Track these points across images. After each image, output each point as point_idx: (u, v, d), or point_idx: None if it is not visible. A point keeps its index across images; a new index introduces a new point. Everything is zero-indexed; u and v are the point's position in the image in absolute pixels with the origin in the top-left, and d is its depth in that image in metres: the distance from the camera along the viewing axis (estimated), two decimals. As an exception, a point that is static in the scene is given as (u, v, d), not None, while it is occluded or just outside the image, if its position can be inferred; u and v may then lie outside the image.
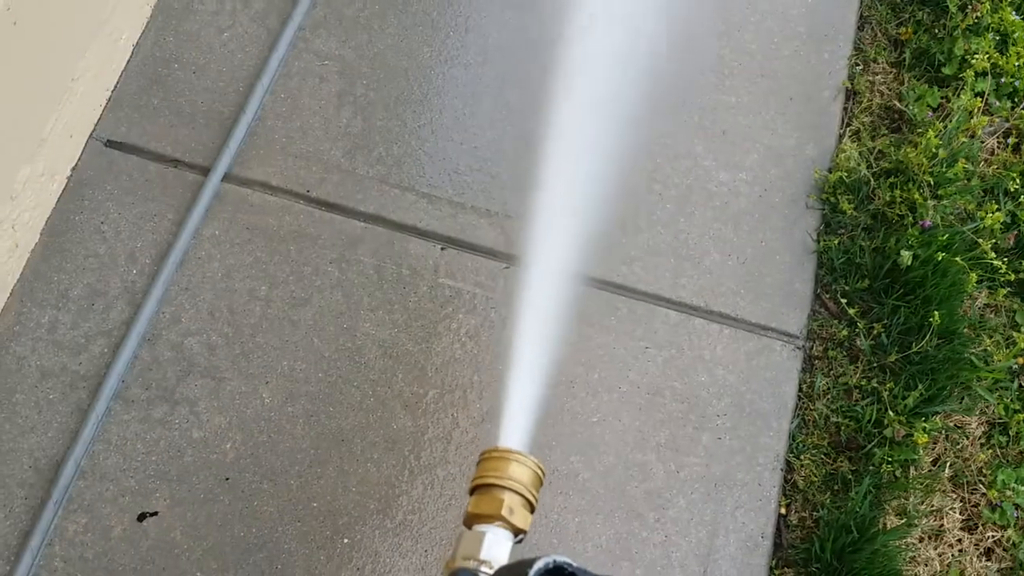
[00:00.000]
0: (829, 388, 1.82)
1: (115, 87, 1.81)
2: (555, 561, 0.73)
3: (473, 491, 1.09)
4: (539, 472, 1.06)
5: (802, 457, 1.78)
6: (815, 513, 1.75)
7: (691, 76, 2.01)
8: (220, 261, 1.74)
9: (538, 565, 0.70)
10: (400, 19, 1.97)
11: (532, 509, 1.06)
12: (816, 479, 1.77)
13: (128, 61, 1.83)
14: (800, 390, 1.82)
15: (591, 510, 1.69)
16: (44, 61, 1.59)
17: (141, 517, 1.60)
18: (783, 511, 1.75)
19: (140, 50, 1.85)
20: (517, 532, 1.02)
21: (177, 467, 1.63)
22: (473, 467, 1.56)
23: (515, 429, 1.22)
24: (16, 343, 1.65)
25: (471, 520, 1.04)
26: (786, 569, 1.71)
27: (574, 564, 0.72)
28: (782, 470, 1.76)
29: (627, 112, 1.94)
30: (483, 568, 0.93)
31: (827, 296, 1.90)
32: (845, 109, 2.05)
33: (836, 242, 1.91)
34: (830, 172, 1.97)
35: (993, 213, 1.86)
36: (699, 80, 2.01)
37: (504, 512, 1.00)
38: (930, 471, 1.77)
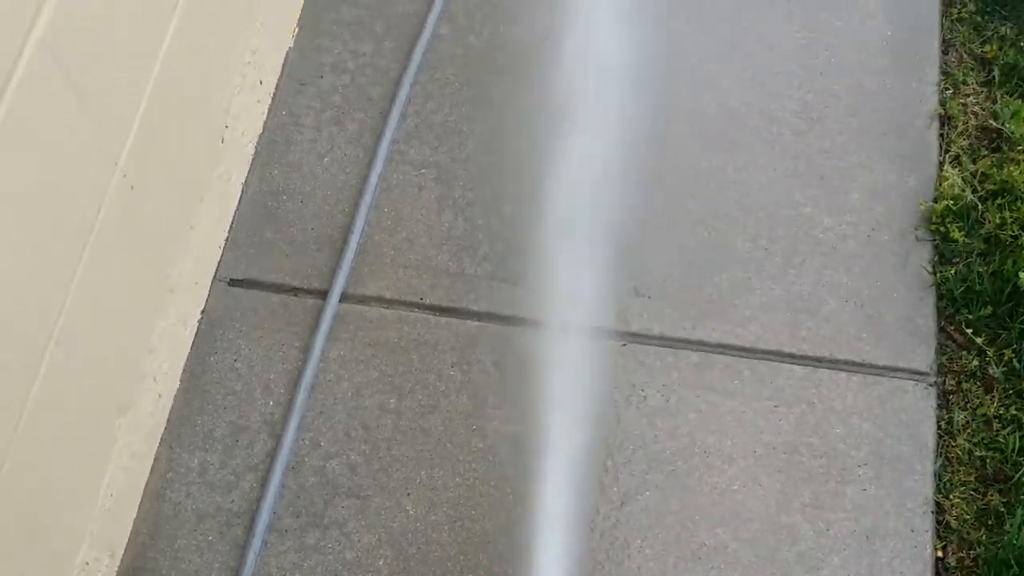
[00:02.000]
0: (968, 422, 1.84)
1: (231, 226, 1.96)
2: None
3: None
4: None
5: (951, 496, 1.80)
6: (972, 552, 1.76)
7: (778, 126, 2.08)
8: (349, 381, 1.87)
9: None
10: (488, 117, 2.09)
11: None
12: (969, 517, 1.79)
13: (240, 200, 1.98)
14: (939, 428, 1.84)
15: (746, 581, 1.74)
16: (164, 216, 1.74)
17: (308, 643, 1.71)
18: (940, 554, 1.76)
19: (249, 187, 2.01)
20: None
21: (335, 590, 1.74)
22: (619, 554, 1.64)
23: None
24: (171, 489, 1.79)
25: None
26: (952, 615, 1.73)
27: None
28: (933, 512, 1.78)
29: (719, 172, 2.02)
30: None
31: (952, 328, 1.92)
32: (941, 136, 2.08)
33: (952, 272, 1.94)
34: (935, 201, 2.00)
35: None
36: (788, 129, 2.07)
37: None
38: (1088, 495, 1.77)
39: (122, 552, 1.70)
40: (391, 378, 1.84)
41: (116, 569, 1.68)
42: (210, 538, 1.73)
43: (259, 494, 1.75)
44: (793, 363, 1.86)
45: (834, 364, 1.87)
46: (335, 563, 1.71)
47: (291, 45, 2.11)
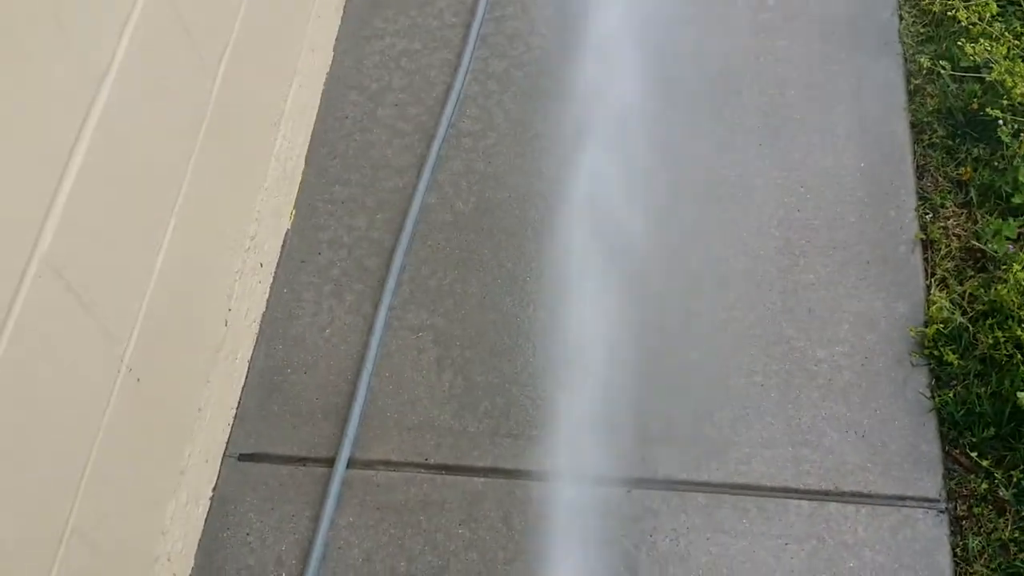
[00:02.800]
0: (984, 547, 1.87)
1: (238, 403, 2.08)
2: None
3: None
4: None
5: (975, 626, 1.82)
6: None
7: (763, 264, 2.21)
8: (359, 547, 1.95)
9: None
10: (479, 277, 2.23)
11: None
12: (995, 648, 1.81)
13: (246, 376, 2.12)
14: (954, 555, 1.87)
15: None
16: (172, 403, 1.86)
17: None
18: None
19: (254, 364, 2.14)
20: None
21: None
22: None
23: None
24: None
25: None
26: None
27: None
28: (957, 644, 1.81)
29: (710, 314, 2.14)
30: None
31: (956, 452, 1.98)
32: (926, 259, 2.20)
33: (951, 395, 2.02)
34: (926, 326, 2.09)
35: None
36: (772, 266, 2.20)
37: None
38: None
39: None
40: (400, 540, 1.92)
41: None
42: None
43: (275, 672, 1.81)
44: (800, 498, 1.93)
45: (841, 497, 1.93)
46: None
47: (289, 227, 2.29)
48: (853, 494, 1.92)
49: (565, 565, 1.90)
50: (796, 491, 1.93)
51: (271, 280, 2.21)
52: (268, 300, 2.20)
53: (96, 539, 1.57)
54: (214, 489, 1.98)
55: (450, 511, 1.95)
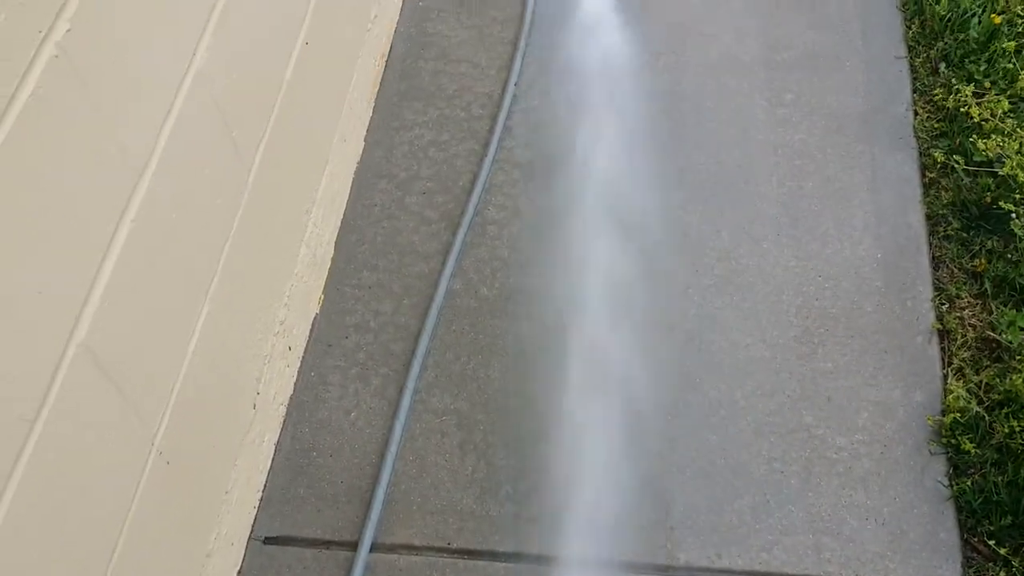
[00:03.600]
0: (1004, 636, 1.99)
1: (264, 486, 2.23)
2: None
3: None
4: None
5: None
6: None
7: (782, 353, 2.35)
8: (381, 630, 2.07)
9: None
10: (502, 362, 2.38)
11: None
12: None
13: (272, 460, 2.27)
14: (976, 645, 1.98)
15: None
16: (199, 485, 1.98)
17: None
18: None
19: (281, 447, 2.29)
20: None
21: None
22: None
23: None
24: None
25: None
26: None
27: None
28: None
29: (730, 402, 2.28)
30: None
31: (975, 540, 2.10)
32: (942, 349, 2.34)
33: (969, 483, 2.14)
34: (943, 415, 2.23)
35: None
36: (791, 355, 2.34)
37: None
38: None
39: None
40: (422, 625, 2.04)
41: None
42: None
43: None
44: (819, 586, 2.04)
45: (860, 584, 2.04)
46: None
47: (317, 312, 2.45)
48: (872, 582, 2.02)
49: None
50: (816, 579, 2.03)
51: (299, 364, 2.37)
52: (295, 383, 2.35)
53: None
54: (239, 572, 2.11)
55: (472, 598, 2.07)
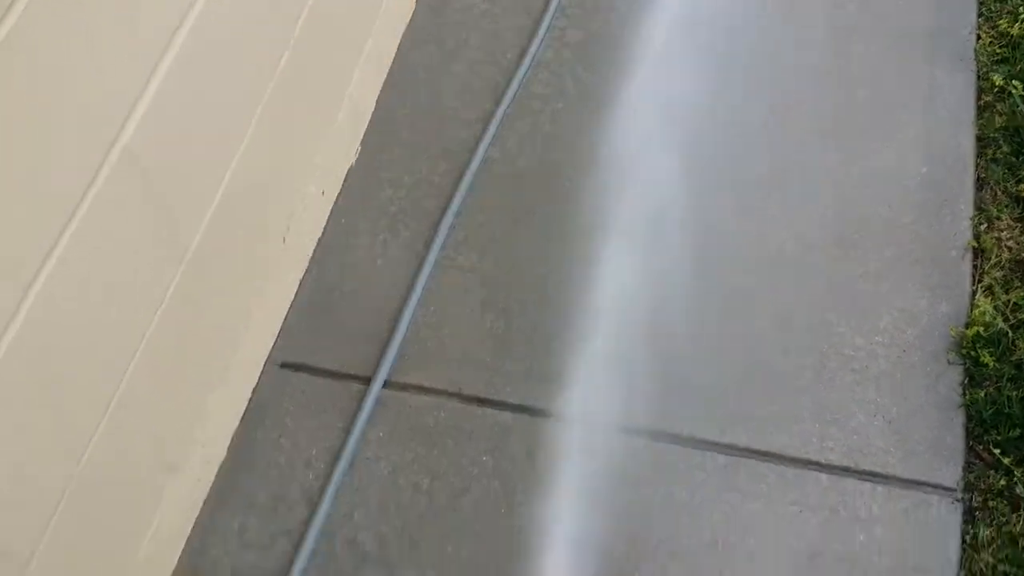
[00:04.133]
0: (994, 538, 2.08)
1: (286, 315, 2.36)
2: None
3: None
4: None
5: (973, 611, 2.02)
6: (993, 667, 1.97)
7: (814, 253, 2.45)
8: (386, 460, 2.20)
9: None
10: (532, 232, 2.49)
11: None
12: (989, 634, 2.00)
13: (296, 293, 2.40)
14: (964, 542, 2.07)
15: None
16: (225, 301, 2.09)
17: None
18: (958, 672, 1.97)
19: (306, 283, 2.41)
20: None
21: (356, 657, 2.01)
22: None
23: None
24: (211, 546, 2.10)
25: None
26: None
27: None
28: (953, 623, 2.00)
29: (755, 291, 2.38)
30: None
31: (980, 447, 2.19)
32: (975, 266, 2.42)
33: (982, 394, 2.23)
34: (967, 328, 2.31)
35: None
36: (823, 256, 2.44)
37: None
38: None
39: (158, 601, 2.01)
40: (426, 460, 2.17)
41: (153, 617, 1.99)
42: (242, 595, 2.04)
43: (292, 557, 2.06)
44: (819, 471, 2.14)
45: (860, 475, 2.14)
46: (358, 629, 2.00)
47: (353, 163, 2.57)
48: (872, 474, 2.13)
49: (581, 503, 2.13)
50: (817, 464, 2.14)
51: (330, 209, 2.49)
52: (325, 227, 2.48)
53: (139, 414, 1.83)
54: (254, 391, 2.25)
55: (477, 440, 2.20)
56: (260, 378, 2.23)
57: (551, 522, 2.08)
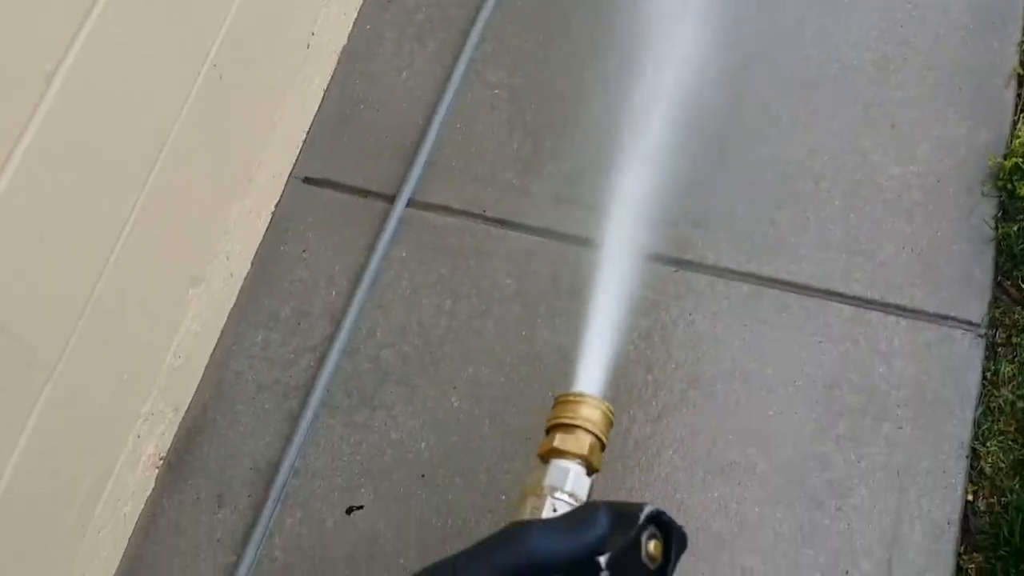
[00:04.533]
0: (1015, 374, 2.08)
1: (309, 129, 2.31)
2: (656, 510, 0.87)
3: (551, 430, 1.22)
4: (611, 417, 1.25)
5: (988, 444, 2.04)
6: (1003, 499, 1.99)
7: (854, 75, 2.35)
8: (408, 279, 2.20)
9: (648, 510, 0.87)
10: (565, 47, 2.39)
11: (603, 449, 1.25)
12: (1004, 465, 2.03)
13: (320, 105, 2.34)
14: (984, 378, 2.08)
15: (771, 500, 2.00)
16: (249, 109, 2.08)
17: (349, 511, 2.04)
18: (970, 498, 2.01)
19: (329, 94, 2.36)
20: (592, 471, 1.24)
21: (379, 465, 2.06)
22: (650, 462, 1.94)
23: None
24: (234, 360, 2.15)
25: (551, 455, 1.17)
26: (974, 554, 1.97)
27: (667, 514, 0.87)
28: (967, 457, 2.02)
29: (791, 115, 2.31)
30: (565, 498, 1.09)
31: (1008, 283, 2.16)
32: (1019, 95, 2.32)
33: (1015, 229, 2.18)
34: (1005, 158, 2.24)
35: None
36: (863, 78, 2.34)
37: (587, 451, 1.15)
38: (1125, 452, 2.00)
39: (185, 409, 2.05)
40: (448, 281, 2.16)
41: (178, 423, 2.04)
42: (267, 407, 2.08)
43: (315, 373, 2.09)
44: (843, 302, 2.12)
45: (884, 307, 2.12)
46: (380, 441, 2.04)
47: (381, -36, 2.46)
48: (896, 306, 2.10)
49: (602, 326, 2.12)
50: (841, 295, 2.12)
51: (355, 15, 2.40)
52: (350, 34, 2.39)
53: (163, 223, 1.82)
54: (276, 205, 2.22)
55: (500, 262, 2.18)
56: (283, 193, 2.21)
57: (571, 345, 2.07)
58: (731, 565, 1.93)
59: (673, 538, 0.88)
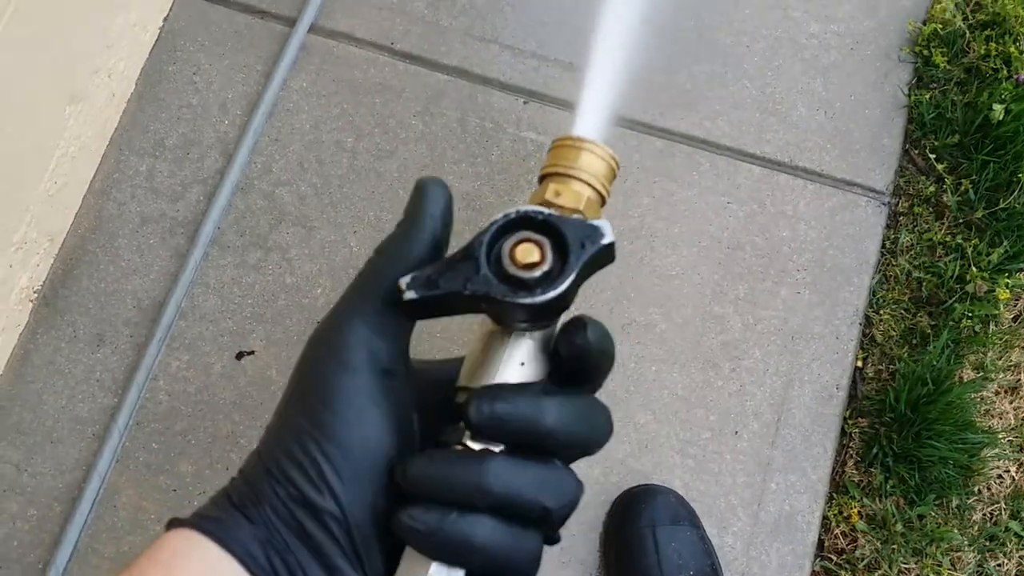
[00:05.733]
0: (913, 244, 2.07)
1: (203, -63, 2.08)
2: (518, 211, 0.63)
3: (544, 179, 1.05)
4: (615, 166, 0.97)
5: (881, 312, 2.05)
6: (892, 366, 2.02)
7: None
8: (308, 113, 2.03)
9: (497, 217, 0.63)
10: None
11: (603, 203, 1.04)
12: (895, 333, 2.04)
13: (215, -89, 2.09)
14: (883, 246, 2.07)
15: (668, 360, 1.98)
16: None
17: (239, 355, 1.93)
18: (859, 364, 2.03)
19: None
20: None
21: (271, 310, 1.95)
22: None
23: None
24: (116, 190, 1.97)
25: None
26: (860, 419, 2.00)
27: (546, 212, 0.63)
28: (860, 324, 2.03)
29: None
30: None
31: (916, 152, 2.13)
32: (943, -42, 2.24)
33: (928, 96, 2.14)
34: (924, 24, 2.17)
35: (1092, 66, 2.07)
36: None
37: (583, 206, 0.92)
38: (1010, 327, 2.03)
39: (62, 240, 1.88)
40: (351, 117, 2.01)
41: (54, 254, 1.87)
42: (151, 241, 1.92)
43: (205, 208, 1.93)
44: (753, 163, 2.06)
45: (793, 170, 2.07)
46: (274, 284, 1.92)
47: None
48: (805, 170, 2.06)
49: (509, 177, 2.02)
50: (752, 156, 2.05)
51: None
52: None
53: (38, 31, 1.61)
54: (165, 20, 2.01)
55: (407, 100, 2.03)
56: (173, 6, 1.99)
57: (477, 193, 1.98)
58: (624, 423, 1.91)
59: (568, 237, 0.62)
